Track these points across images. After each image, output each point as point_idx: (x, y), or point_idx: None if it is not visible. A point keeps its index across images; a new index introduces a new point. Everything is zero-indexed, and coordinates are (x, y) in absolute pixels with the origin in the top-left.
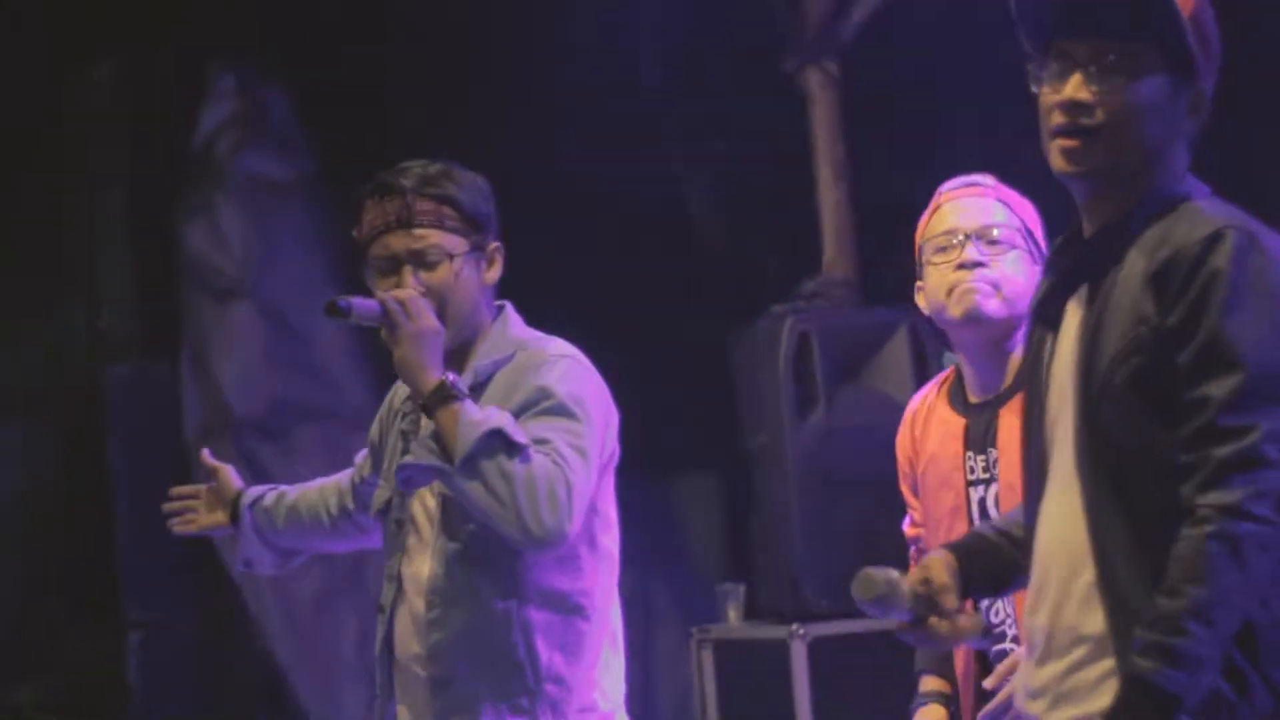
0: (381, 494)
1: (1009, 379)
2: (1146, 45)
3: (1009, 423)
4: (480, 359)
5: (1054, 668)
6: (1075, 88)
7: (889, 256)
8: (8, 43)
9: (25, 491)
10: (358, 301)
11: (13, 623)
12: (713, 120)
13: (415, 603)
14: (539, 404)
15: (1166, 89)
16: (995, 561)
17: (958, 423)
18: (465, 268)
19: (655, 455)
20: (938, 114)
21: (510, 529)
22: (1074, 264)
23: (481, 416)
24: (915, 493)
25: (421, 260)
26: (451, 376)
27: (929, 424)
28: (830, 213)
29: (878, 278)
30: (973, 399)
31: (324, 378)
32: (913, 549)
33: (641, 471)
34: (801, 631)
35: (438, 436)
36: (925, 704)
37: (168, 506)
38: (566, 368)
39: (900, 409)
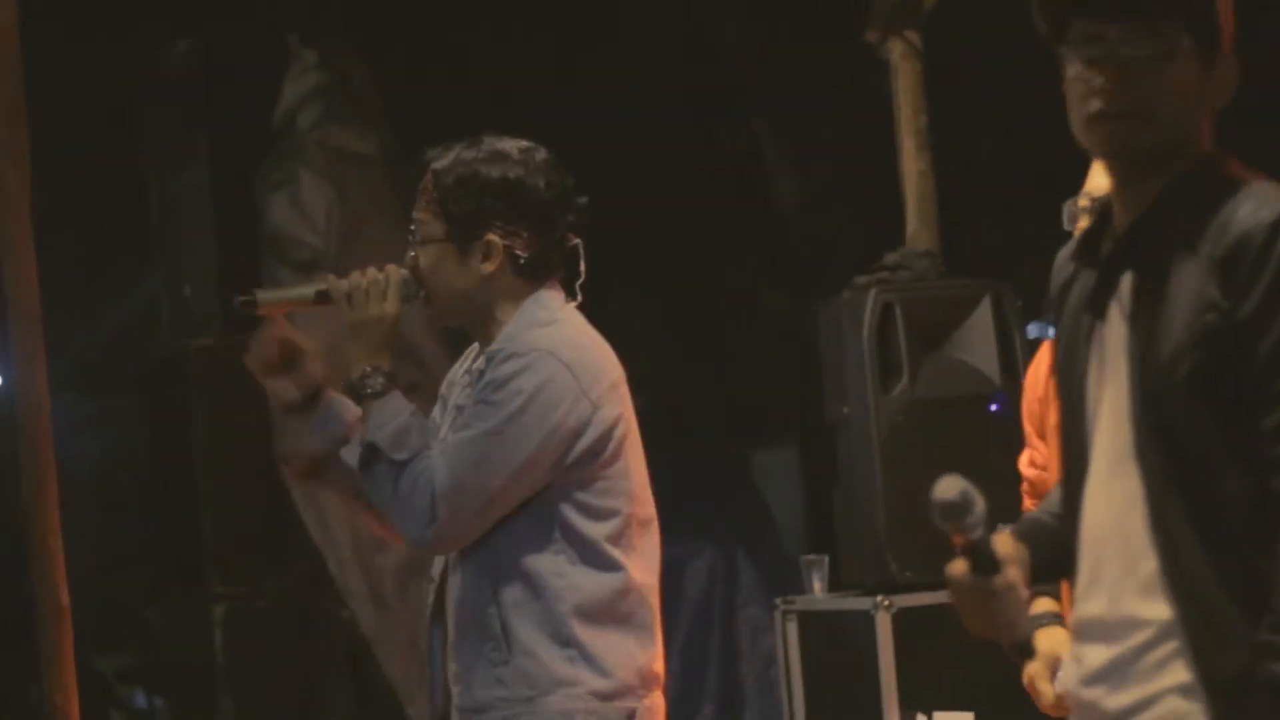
0: None
1: None
2: (1176, 24)
3: None
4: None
5: (1112, 653)
6: (1111, 72)
7: (973, 227)
8: (91, 20)
9: (110, 464)
10: (272, 295)
11: (98, 595)
12: (795, 91)
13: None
14: (479, 395)
15: (1197, 65)
16: (1056, 547)
17: None
18: (443, 257)
19: (739, 428)
20: (1020, 83)
21: (395, 531)
22: (1117, 249)
23: (378, 421)
24: (1040, 434)
25: (413, 238)
26: (369, 371)
27: None
28: (913, 183)
29: (961, 248)
30: None
31: (408, 350)
32: (1024, 484)
33: (726, 444)
34: (886, 603)
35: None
36: (1045, 624)
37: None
38: (526, 363)
39: (984, 380)
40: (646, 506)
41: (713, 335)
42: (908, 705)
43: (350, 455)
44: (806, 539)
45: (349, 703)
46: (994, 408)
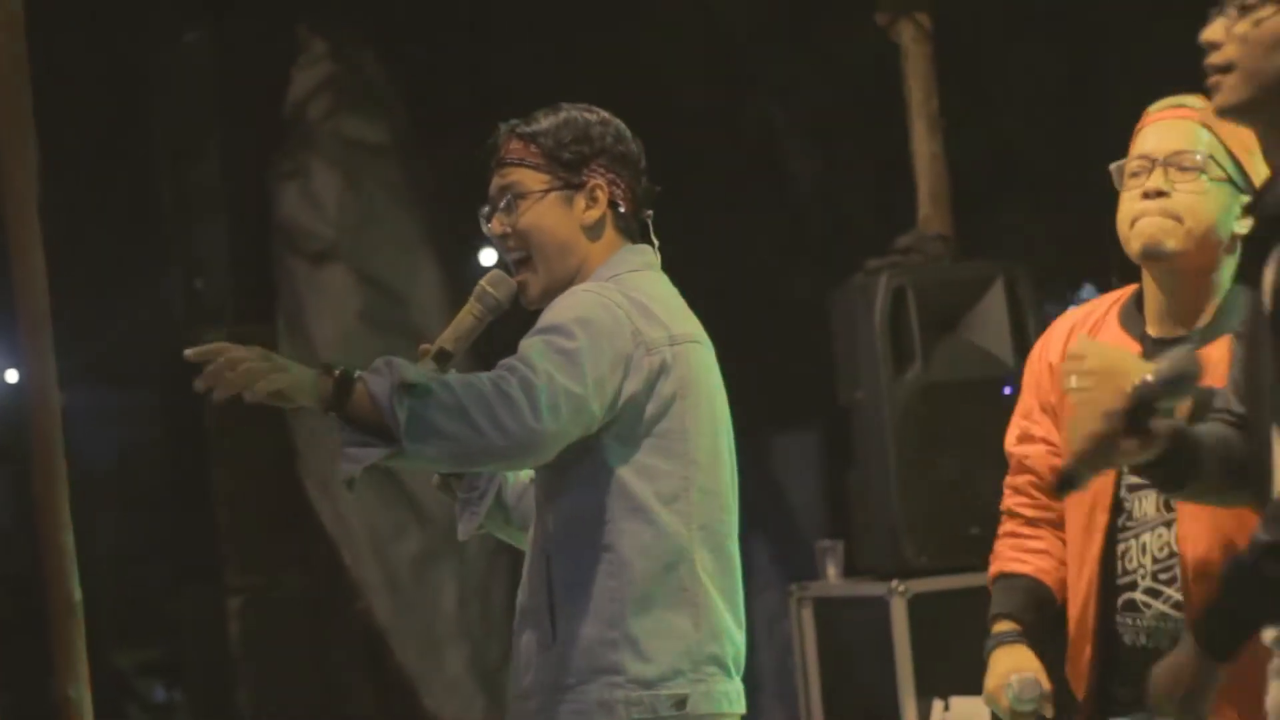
0: None
1: (1209, 315)
2: None
3: (1212, 358)
4: None
5: None
6: (1212, 29)
7: (984, 210)
8: (101, 12)
9: (125, 458)
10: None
11: (115, 587)
12: (807, 74)
13: None
14: (536, 326)
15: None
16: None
17: (1132, 349)
18: (545, 206)
19: (753, 412)
20: (1031, 66)
21: (483, 454)
22: (1273, 213)
23: (389, 370)
24: (1044, 409)
25: (505, 201)
26: (338, 373)
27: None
28: (925, 166)
29: (973, 231)
30: (1152, 330)
31: (420, 339)
32: (1013, 461)
33: (739, 428)
34: (901, 588)
35: (362, 428)
36: (1008, 641)
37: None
38: (579, 296)
39: (997, 363)
40: (713, 479)
41: (731, 319)
42: (924, 690)
43: (363, 449)
44: (822, 523)
45: (366, 693)
46: (1008, 390)
